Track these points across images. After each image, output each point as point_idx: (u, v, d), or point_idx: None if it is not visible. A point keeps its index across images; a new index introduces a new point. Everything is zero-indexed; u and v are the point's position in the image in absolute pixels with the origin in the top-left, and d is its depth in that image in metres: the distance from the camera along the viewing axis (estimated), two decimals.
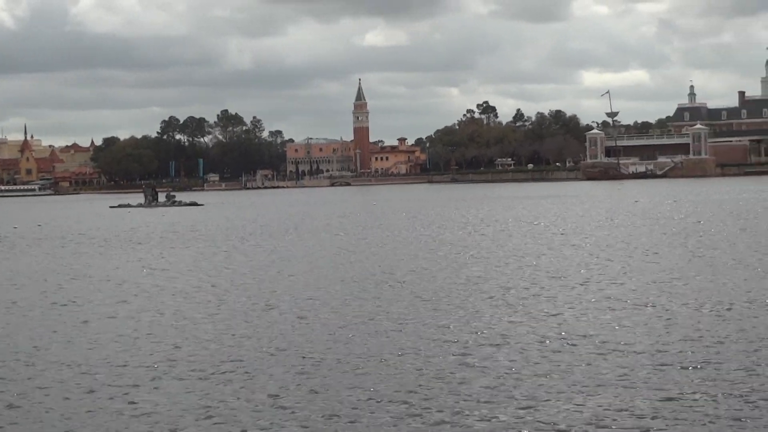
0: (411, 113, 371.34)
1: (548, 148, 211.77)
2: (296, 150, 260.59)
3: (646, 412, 12.30)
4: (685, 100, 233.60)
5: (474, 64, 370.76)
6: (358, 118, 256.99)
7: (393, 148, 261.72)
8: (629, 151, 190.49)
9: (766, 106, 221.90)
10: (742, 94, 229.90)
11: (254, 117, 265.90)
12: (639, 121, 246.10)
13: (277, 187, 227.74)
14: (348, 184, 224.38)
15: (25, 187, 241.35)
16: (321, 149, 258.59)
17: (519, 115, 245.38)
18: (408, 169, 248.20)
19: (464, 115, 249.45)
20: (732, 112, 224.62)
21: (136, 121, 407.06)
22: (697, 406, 12.52)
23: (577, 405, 12.74)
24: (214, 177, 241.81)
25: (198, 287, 27.31)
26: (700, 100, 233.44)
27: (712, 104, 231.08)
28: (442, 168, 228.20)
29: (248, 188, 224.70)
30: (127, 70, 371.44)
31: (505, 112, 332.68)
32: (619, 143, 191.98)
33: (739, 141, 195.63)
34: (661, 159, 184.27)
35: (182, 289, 26.87)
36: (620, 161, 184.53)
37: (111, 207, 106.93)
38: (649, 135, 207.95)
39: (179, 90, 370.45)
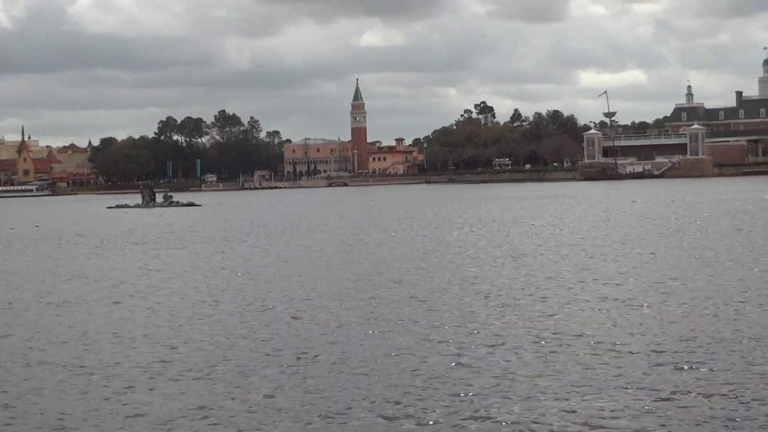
0: (409, 113, 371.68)
1: (546, 149, 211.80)
2: (294, 150, 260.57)
3: (641, 413, 12.30)
4: (682, 101, 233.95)
5: (471, 65, 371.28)
6: (355, 118, 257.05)
7: (390, 149, 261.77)
8: (627, 151, 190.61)
9: (764, 106, 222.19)
10: (739, 94, 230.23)
11: (252, 117, 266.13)
12: (636, 122, 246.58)
13: (275, 187, 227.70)
14: (345, 185, 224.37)
15: (23, 187, 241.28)
16: (318, 149, 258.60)
17: (516, 115, 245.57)
18: (405, 170, 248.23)
19: (462, 115, 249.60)
20: (729, 112, 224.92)
21: (134, 122, 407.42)
22: (693, 407, 12.53)
23: (573, 405, 12.74)
24: (211, 177, 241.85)
25: (194, 288, 27.31)
26: (697, 100, 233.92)
27: (710, 104, 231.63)
28: (439, 168, 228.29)
29: (246, 189, 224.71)
30: (124, 71, 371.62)
31: (503, 112, 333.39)
32: (617, 143, 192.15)
33: (737, 141, 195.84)
34: (659, 159, 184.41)
35: (178, 290, 26.87)
36: (618, 161, 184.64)
37: (108, 207, 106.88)
38: (646, 135, 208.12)
39: (177, 90, 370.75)
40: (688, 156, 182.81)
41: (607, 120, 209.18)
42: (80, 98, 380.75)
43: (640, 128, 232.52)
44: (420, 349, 16.86)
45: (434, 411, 12.72)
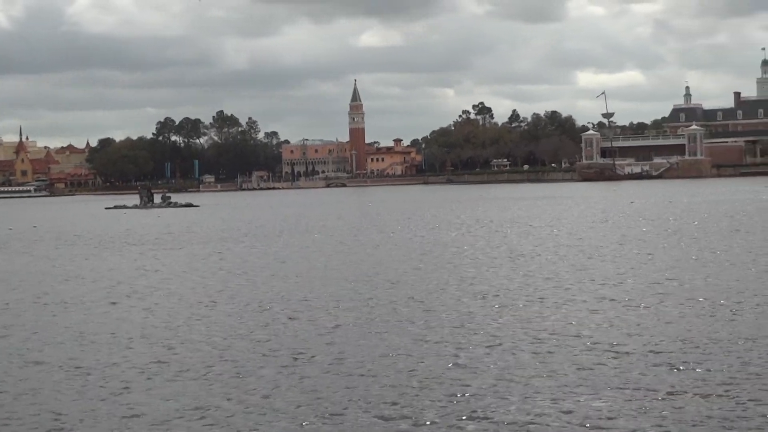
0: (407, 114, 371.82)
1: (544, 149, 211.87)
2: (292, 151, 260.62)
3: (638, 413, 12.30)
4: (680, 101, 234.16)
5: (469, 65, 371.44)
6: (353, 119, 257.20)
7: (389, 149, 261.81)
8: (625, 152, 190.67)
9: (762, 106, 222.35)
10: (737, 94, 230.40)
11: (250, 118, 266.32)
12: (634, 122, 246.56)
13: (273, 188, 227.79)
14: (344, 185, 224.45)
15: (21, 188, 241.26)
16: (317, 150, 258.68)
17: (515, 116, 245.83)
18: (404, 170, 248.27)
19: (460, 115, 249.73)
20: (728, 113, 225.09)
21: (132, 122, 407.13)
22: (689, 407, 12.53)
23: (570, 406, 12.74)
24: (209, 178, 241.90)
25: (192, 289, 27.31)
26: (695, 100, 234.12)
27: (708, 105, 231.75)
28: (437, 169, 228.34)
29: (244, 189, 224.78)
30: (122, 71, 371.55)
31: (501, 113, 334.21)
32: (615, 144, 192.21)
33: (735, 142, 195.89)
34: (657, 160, 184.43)
35: (176, 291, 26.86)
36: (616, 162, 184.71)
37: (106, 208, 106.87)
38: (644, 136, 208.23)
39: (175, 91, 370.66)
40: (687, 157, 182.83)
41: (605, 121, 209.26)
42: (78, 99, 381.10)
43: (638, 129, 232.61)
44: (417, 349, 16.86)
45: (431, 411, 12.71)
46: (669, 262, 30.22)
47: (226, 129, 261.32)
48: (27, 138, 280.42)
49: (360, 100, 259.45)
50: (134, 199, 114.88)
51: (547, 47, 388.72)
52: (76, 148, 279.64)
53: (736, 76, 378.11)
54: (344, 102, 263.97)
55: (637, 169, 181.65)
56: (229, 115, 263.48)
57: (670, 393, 13.23)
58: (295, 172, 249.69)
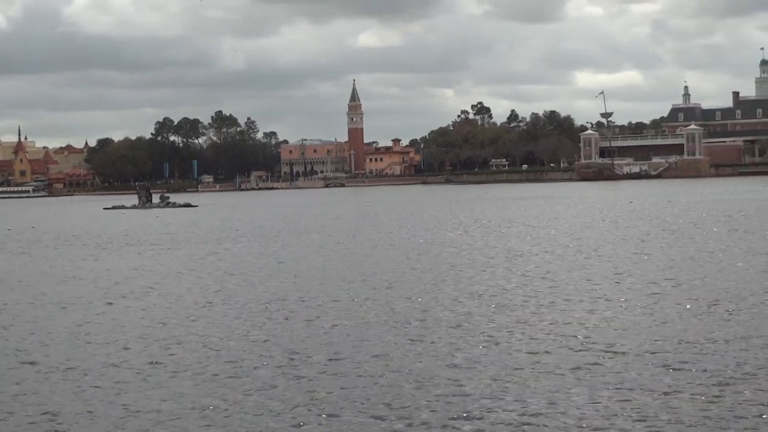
0: (405, 114, 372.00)
1: (542, 149, 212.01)
2: (290, 151, 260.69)
3: (635, 413, 12.31)
4: (679, 101, 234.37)
5: (468, 65, 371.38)
6: (352, 119, 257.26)
7: (387, 149, 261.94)
8: (623, 151, 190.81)
9: (761, 106, 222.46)
10: (736, 94, 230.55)
11: (248, 118, 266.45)
12: (633, 122, 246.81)
13: (272, 188, 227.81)
14: (342, 185, 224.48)
15: (19, 188, 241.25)
16: (315, 150, 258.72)
17: (513, 116, 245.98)
18: (402, 170, 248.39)
19: (458, 116, 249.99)
20: (726, 113, 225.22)
21: (130, 123, 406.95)
22: (685, 407, 12.53)
23: (566, 406, 12.74)
24: (208, 178, 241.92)
25: (189, 289, 27.30)
26: (693, 100, 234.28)
27: (706, 105, 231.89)
28: (436, 169, 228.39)
29: (242, 189, 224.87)
30: (120, 71, 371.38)
31: (500, 113, 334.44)
32: (614, 144, 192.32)
33: (734, 141, 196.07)
34: (656, 159, 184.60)
35: (173, 291, 26.85)
36: (614, 162, 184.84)
37: (105, 208, 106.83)
38: (643, 136, 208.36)
39: (173, 91, 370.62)
40: (685, 156, 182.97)
41: (603, 120, 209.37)
42: (77, 99, 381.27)
43: (636, 129, 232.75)
44: (414, 349, 16.86)
45: (427, 411, 12.71)
46: (666, 262, 30.22)
47: (224, 129, 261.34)
48: (25, 138, 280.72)
49: (359, 100, 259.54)
50: (133, 199, 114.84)
51: (546, 47, 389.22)
52: (74, 149, 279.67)
53: (734, 75, 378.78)
54: (343, 102, 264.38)
55: (635, 169, 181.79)
56: (228, 115, 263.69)
57: (666, 393, 13.23)
58: (294, 172, 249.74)
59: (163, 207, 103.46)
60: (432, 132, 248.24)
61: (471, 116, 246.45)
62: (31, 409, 13.68)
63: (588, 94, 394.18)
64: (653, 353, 15.85)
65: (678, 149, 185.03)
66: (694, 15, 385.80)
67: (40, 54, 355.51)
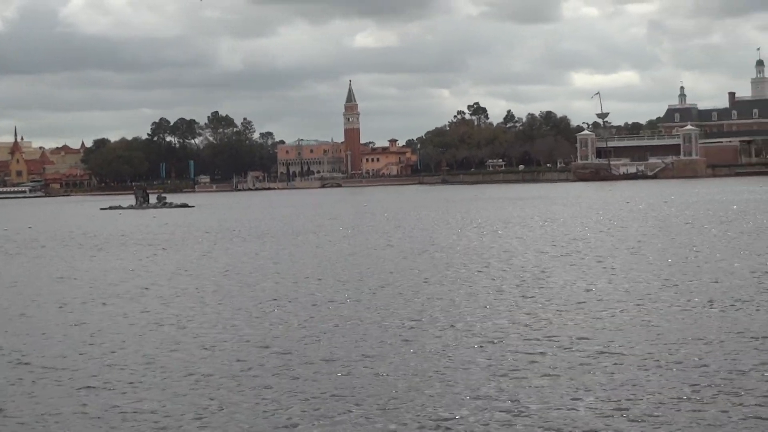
0: (402, 114, 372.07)
1: (539, 149, 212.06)
2: (287, 151, 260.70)
3: (631, 414, 12.30)
4: (675, 101, 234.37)
5: (465, 66, 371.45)
6: (348, 119, 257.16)
7: (384, 150, 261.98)
8: (620, 152, 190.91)
9: (757, 106, 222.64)
10: (732, 95, 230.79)
11: (245, 118, 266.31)
12: (630, 122, 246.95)
13: (268, 188, 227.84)
14: (339, 186, 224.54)
15: (16, 189, 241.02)
16: (312, 150, 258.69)
17: (510, 117, 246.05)
18: (399, 171, 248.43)
19: (455, 116, 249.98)
20: (722, 113, 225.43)
21: (127, 123, 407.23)
22: (682, 408, 12.53)
23: (562, 407, 12.73)
24: (204, 179, 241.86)
25: (184, 289, 27.28)
26: (690, 101, 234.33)
27: (703, 105, 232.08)
28: (432, 169, 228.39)
29: (239, 190, 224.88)
30: (117, 72, 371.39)
31: (496, 114, 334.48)
32: (610, 144, 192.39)
33: (730, 142, 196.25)
34: (652, 160, 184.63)
35: (169, 291, 26.83)
36: (611, 162, 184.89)
37: (102, 209, 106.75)
38: (639, 136, 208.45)
39: (170, 91, 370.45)
40: (682, 157, 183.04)
41: (600, 121, 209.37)
42: (73, 99, 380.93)
43: (633, 129, 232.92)
44: (408, 350, 16.85)
45: (421, 412, 12.70)
46: (663, 262, 30.22)
47: (221, 129, 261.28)
48: (22, 138, 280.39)
49: (355, 101, 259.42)
50: (129, 199, 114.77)
51: (542, 48, 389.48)
52: (71, 149, 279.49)
53: (730, 76, 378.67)
54: (339, 102, 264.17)
55: (632, 169, 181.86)
56: (225, 115, 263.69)
57: (661, 393, 13.22)
58: (291, 172, 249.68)
59: (160, 207, 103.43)
60: (428, 132, 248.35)
61: (467, 116, 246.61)
62: (24, 410, 13.65)
63: (585, 95, 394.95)
64: (649, 353, 15.84)
65: (674, 150, 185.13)
66: (691, 15, 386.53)
67: (36, 54, 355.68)
